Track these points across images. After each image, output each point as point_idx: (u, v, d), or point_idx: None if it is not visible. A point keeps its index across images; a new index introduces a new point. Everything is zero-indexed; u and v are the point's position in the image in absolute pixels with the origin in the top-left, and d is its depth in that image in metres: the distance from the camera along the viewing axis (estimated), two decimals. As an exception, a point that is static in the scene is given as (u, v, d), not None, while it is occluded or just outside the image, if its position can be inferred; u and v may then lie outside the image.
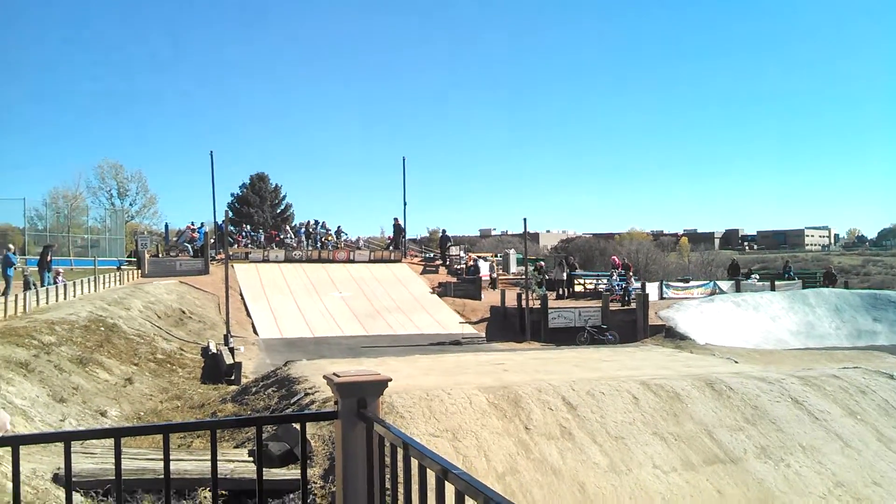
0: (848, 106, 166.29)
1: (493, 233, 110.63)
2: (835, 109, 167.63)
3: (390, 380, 3.83)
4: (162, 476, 3.53)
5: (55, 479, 7.63)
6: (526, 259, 32.52)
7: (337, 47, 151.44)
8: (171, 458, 7.07)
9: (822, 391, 11.65)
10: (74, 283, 23.65)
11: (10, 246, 25.80)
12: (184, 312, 25.04)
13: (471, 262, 35.99)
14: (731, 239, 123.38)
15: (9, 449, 3.11)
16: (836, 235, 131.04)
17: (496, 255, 42.14)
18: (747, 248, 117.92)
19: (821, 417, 10.78)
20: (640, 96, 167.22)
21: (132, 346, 18.79)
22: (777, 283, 34.98)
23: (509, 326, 28.01)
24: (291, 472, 8.42)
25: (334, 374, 3.85)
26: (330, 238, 40.11)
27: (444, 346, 23.67)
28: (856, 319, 30.23)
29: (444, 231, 43.12)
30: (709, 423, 10.26)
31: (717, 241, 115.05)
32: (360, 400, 3.73)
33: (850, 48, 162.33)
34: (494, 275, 35.42)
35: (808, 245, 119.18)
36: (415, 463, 3.11)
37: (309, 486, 7.98)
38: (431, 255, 41.90)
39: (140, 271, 31.51)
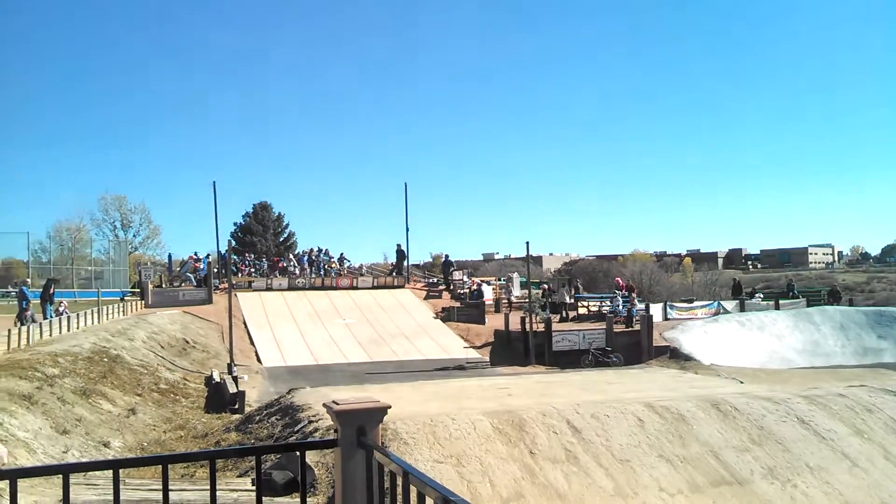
0: (851, 124, 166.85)
1: (497, 257, 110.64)
2: (838, 127, 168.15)
3: (389, 407, 3.82)
4: (162, 507, 3.52)
5: (57, 511, 7.60)
6: (529, 282, 32.51)
7: (336, 74, 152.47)
8: (174, 488, 7.01)
9: (828, 410, 11.58)
10: (78, 314, 23.66)
11: (28, 280, 25.98)
12: (187, 342, 25.02)
13: (474, 287, 35.96)
14: (735, 258, 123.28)
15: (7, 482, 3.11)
16: (840, 253, 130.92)
17: (499, 279, 42.09)
18: (751, 267, 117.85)
19: (827, 437, 10.71)
20: (642, 117, 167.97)
21: (135, 376, 18.76)
22: (781, 301, 34.86)
23: (513, 350, 27.92)
24: (295, 501, 8.37)
25: (333, 402, 3.85)
26: (333, 265, 40.15)
27: (449, 372, 23.60)
28: (861, 337, 30.09)
29: (446, 256, 43.16)
30: (715, 444, 10.19)
31: (720, 261, 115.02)
32: (359, 428, 3.72)
33: (854, 68, 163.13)
34: (498, 298, 35.41)
35: (811, 263, 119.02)
36: (415, 490, 3.09)
37: (313, 515, 7.93)
38: (434, 280, 41.89)
39: (143, 302, 31.54)
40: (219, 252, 35.47)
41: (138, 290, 33.89)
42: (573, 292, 35.74)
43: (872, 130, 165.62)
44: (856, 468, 10.04)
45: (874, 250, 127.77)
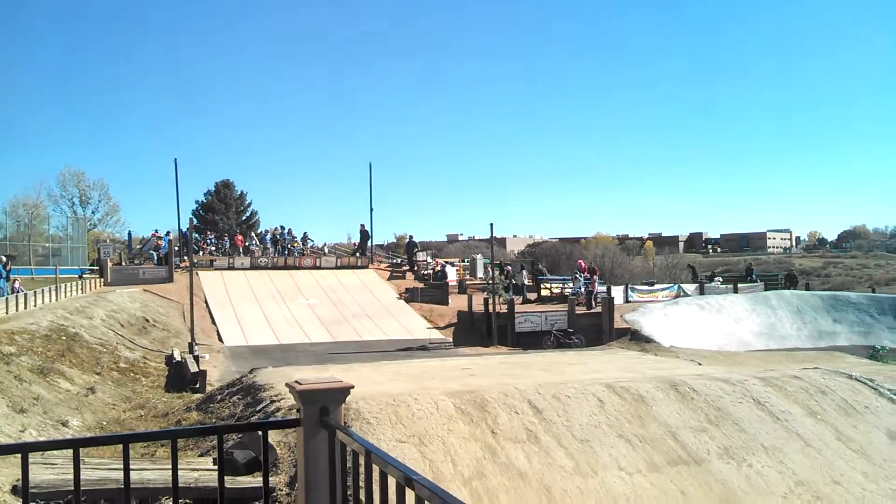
0: (808, 111, 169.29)
1: (461, 238, 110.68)
2: (795, 114, 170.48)
3: (352, 387, 3.83)
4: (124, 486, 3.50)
5: (14, 490, 7.52)
6: (493, 264, 32.64)
7: (302, 52, 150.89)
8: (134, 467, 6.99)
9: (783, 392, 11.82)
10: (35, 292, 23.26)
11: (3, 258, 25.49)
12: (147, 321, 24.75)
13: (438, 268, 36.02)
14: (696, 242, 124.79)
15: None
16: (798, 238, 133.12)
17: (463, 261, 42.20)
18: (711, 251, 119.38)
19: (782, 418, 10.94)
20: (605, 101, 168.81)
21: (94, 355, 18.53)
22: (740, 285, 35.45)
23: (476, 331, 28.08)
24: (257, 480, 8.35)
25: (296, 381, 3.85)
26: (296, 245, 39.89)
27: (412, 352, 23.65)
28: (816, 321, 30.77)
29: (410, 237, 43.04)
30: (673, 424, 10.36)
31: (681, 245, 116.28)
32: (322, 408, 3.73)
33: (811, 54, 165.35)
34: (462, 279, 35.53)
35: (770, 248, 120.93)
36: (377, 470, 3.11)
37: (274, 494, 7.93)
38: (398, 260, 41.86)
39: (103, 280, 31.07)
40: (180, 230, 35.06)
41: (97, 267, 33.38)
42: (533, 275, 36.01)
43: (832, 117, 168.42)
44: (809, 448, 10.28)
45: (831, 236, 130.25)
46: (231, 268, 34.87)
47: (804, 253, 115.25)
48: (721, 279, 38.89)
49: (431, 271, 36.06)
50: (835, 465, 9.96)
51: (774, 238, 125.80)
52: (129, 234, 44.07)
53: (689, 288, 34.03)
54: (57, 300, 24.18)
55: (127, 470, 3.44)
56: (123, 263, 34.62)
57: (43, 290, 23.87)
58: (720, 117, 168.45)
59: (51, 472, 7.75)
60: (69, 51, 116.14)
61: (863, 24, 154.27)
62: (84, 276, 31.43)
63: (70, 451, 3.33)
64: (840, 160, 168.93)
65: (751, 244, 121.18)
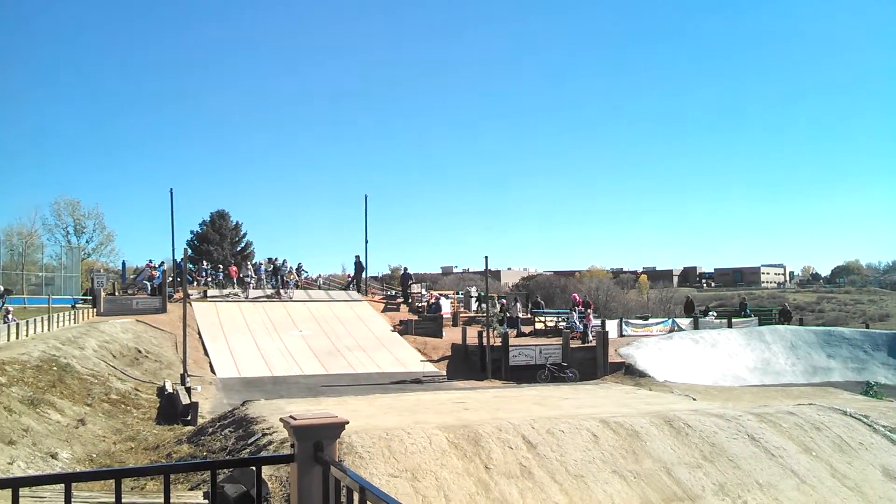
0: (803, 147, 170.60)
1: (455, 270, 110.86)
2: (790, 150, 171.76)
3: (347, 422, 3.82)
4: (113, 522, 3.47)
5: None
6: (487, 296, 32.61)
7: (297, 85, 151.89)
8: (125, 501, 6.91)
9: (777, 428, 11.79)
10: (27, 322, 23.14)
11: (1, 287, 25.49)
12: (140, 352, 24.62)
13: (433, 300, 35.98)
14: (690, 276, 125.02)
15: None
16: (791, 273, 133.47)
17: (457, 293, 42.18)
18: (705, 285, 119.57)
19: (777, 454, 10.89)
20: (597, 133, 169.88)
21: (86, 386, 18.40)
22: (734, 320, 35.47)
23: (470, 364, 27.98)
24: (248, 516, 8.27)
25: (291, 416, 3.83)
26: (292, 276, 39.85)
27: (405, 385, 23.55)
28: (811, 356, 30.76)
29: (405, 269, 43.10)
30: (668, 460, 10.31)
31: (675, 279, 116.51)
32: (316, 443, 3.71)
33: (808, 90, 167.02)
34: (456, 312, 35.49)
35: (763, 282, 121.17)
36: (371, 506, 3.09)
37: (266, 530, 7.84)
38: (393, 292, 41.82)
39: (96, 310, 30.97)
40: (174, 260, 35.01)
41: (90, 297, 33.27)
42: (528, 307, 35.99)
43: (827, 153, 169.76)
44: (804, 485, 10.23)
45: (825, 271, 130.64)
46: (224, 299, 34.76)
47: (798, 288, 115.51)
48: (715, 314, 38.90)
49: (426, 304, 36.01)
50: (829, 502, 9.91)
51: (768, 273, 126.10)
52: (123, 263, 43.97)
53: (684, 322, 34.02)
54: (49, 330, 24.05)
55: (118, 505, 3.40)
56: (117, 293, 34.54)
57: (35, 320, 23.76)
58: (715, 152, 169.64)
59: (40, 505, 7.67)
60: (64, 79, 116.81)
61: (859, 59, 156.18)
62: (77, 305, 31.30)
63: (60, 486, 3.30)
64: (834, 196, 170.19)
65: (744, 279, 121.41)
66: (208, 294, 35.03)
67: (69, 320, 27.01)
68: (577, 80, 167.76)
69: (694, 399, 17.35)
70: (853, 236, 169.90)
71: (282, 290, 36.90)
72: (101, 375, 20.05)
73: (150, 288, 34.10)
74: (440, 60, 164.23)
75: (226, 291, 36.09)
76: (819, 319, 71.04)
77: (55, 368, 18.51)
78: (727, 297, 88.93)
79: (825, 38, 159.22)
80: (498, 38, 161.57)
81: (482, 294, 36.39)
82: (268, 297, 35.96)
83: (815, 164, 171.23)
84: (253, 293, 35.99)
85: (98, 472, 4.20)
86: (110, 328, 26.00)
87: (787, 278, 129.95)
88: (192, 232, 58.79)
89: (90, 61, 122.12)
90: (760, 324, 35.50)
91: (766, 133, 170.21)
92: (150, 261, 36.37)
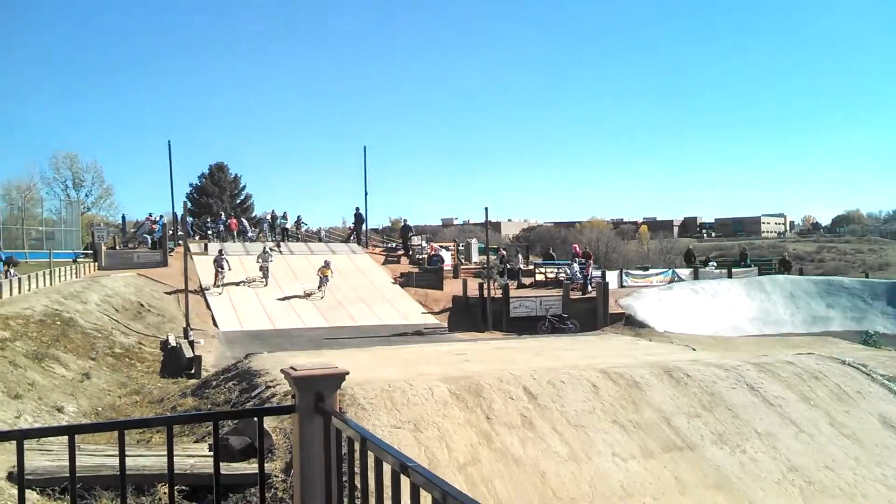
0: (804, 96, 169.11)
1: (455, 222, 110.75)
2: (791, 100, 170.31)
3: (347, 373, 3.82)
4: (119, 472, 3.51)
5: (10, 477, 7.52)
6: (487, 248, 32.62)
7: (296, 36, 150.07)
8: (130, 454, 6.98)
9: (776, 377, 11.87)
10: (29, 276, 23.20)
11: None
12: (142, 306, 24.73)
13: (433, 252, 35.99)
14: (690, 227, 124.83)
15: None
16: (792, 223, 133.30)
17: (458, 245, 42.22)
18: (705, 235, 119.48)
19: (775, 403, 10.99)
20: (599, 85, 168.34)
21: (89, 340, 18.52)
22: (734, 270, 35.53)
23: (471, 316, 28.10)
24: (252, 466, 8.37)
25: (291, 367, 3.84)
26: (295, 231, 39.90)
27: (407, 337, 23.70)
28: (810, 306, 30.87)
29: (405, 221, 43.02)
30: (667, 410, 10.40)
31: (675, 229, 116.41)
32: (317, 394, 3.72)
33: (810, 40, 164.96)
34: (457, 264, 35.55)
35: (764, 232, 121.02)
36: (372, 456, 3.11)
37: (270, 480, 7.95)
38: (393, 245, 41.83)
39: (97, 264, 31.02)
40: (174, 214, 34.97)
41: (91, 251, 33.30)
42: (528, 259, 36.03)
43: (828, 103, 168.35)
44: (802, 434, 10.34)
45: (825, 221, 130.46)
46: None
47: (798, 238, 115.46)
48: (715, 264, 38.95)
49: (426, 256, 36.03)
50: (827, 451, 10.02)
51: (769, 223, 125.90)
52: (123, 217, 43.93)
53: (684, 273, 34.07)
54: (51, 285, 24.13)
55: (122, 457, 3.43)
56: (117, 247, 34.54)
57: (37, 275, 23.81)
58: (715, 102, 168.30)
59: (46, 458, 7.76)
60: (63, 33, 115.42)
61: (862, 12, 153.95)
62: (78, 260, 31.34)
63: (66, 438, 3.33)
64: (835, 145, 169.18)
65: (745, 229, 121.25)
66: (209, 248, 35.00)
67: (71, 275, 27.08)
68: (577, 33, 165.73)
69: (693, 349, 17.46)
70: (854, 186, 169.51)
71: (281, 243, 36.93)
72: (105, 329, 20.17)
73: (150, 242, 34.10)
74: (437, 11, 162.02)
75: (227, 245, 36.08)
76: (819, 269, 71.19)
77: (58, 323, 18.61)
78: (728, 247, 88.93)
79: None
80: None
81: (483, 246, 36.39)
82: (269, 250, 35.94)
83: (817, 113, 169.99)
84: (253, 247, 35.99)
85: (101, 424, 4.25)
86: (112, 282, 26.07)
87: (788, 228, 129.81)
88: (191, 185, 58.69)
89: (88, 12, 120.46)
90: (760, 274, 35.57)
91: (766, 81, 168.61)
92: (150, 214, 36.37)
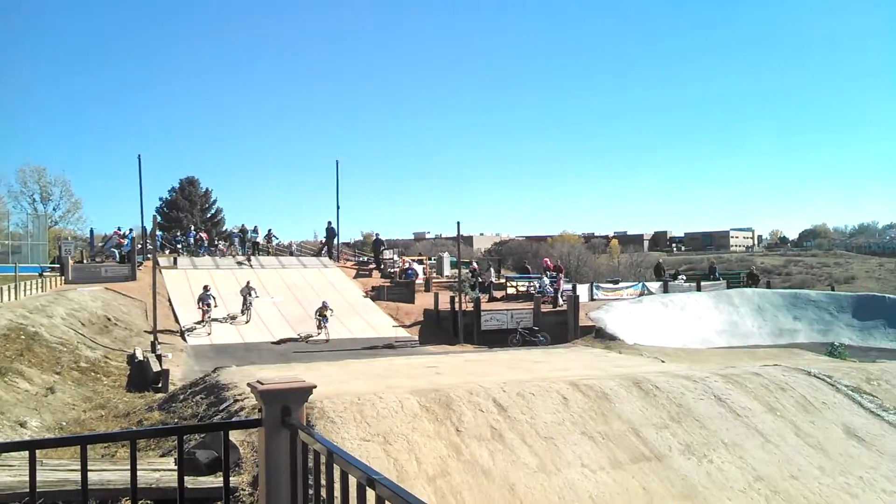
0: (770, 112, 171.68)
1: (427, 236, 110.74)
2: (759, 116, 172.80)
3: (314, 387, 3.81)
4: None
5: (-30, 494, 7.38)
6: (459, 262, 32.69)
7: (267, 49, 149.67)
8: (93, 468, 6.88)
9: (743, 388, 12.00)
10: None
11: None
12: (109, 319, 24.42)
13: (406, 266, 35.96)
14: (660, 241, 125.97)
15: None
16: (760, 237, 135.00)
17: (430, 259, 42.20)
18: (675, 249, 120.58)
19: (742, 414, 11.10)
20: (569, 100, 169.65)
21: (54, 354, 18.25)
22: (703, 283, 35.87)
23: (442, 329, 28.11)
24: (219, 480, 8.29)
25: (258, 381, 3.82)
26: (265, 244, 39.66)
27: (377, 350, 23.63)
28: (777, 318, 31.25)
29: (377, 235, 43.06)
30: (636, 421, 10.46)
31: (646, 243, 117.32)
32: (284, 407, 3.71)
33: (780, 53, 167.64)
34: (429, 278, 35.54)
35: (732, 246, 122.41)
36: (339, 470, 3.10)
37: (237, 494, 7.88)
38: (365, 258, 41.74)
39: (64, 278, 30.59)
40: (143, 228, 34.64)
41: (58, 265, 32.84)
42: (500, 273, 36.13)
43: (795, 119, 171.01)
44: (768, 444, 10.45)
45: (792, 235, 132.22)
46: (195, 267, 34.48)
47: (766, 251, 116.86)
48: (685, 277, 39.31)
49: (398, 269, 35.99)
50: (793, 461, 10.14)
51: (737, 237, 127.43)
52: (91, 231, 43.36)
53: (654, 286, 34.35)
54: (16, 299, 23.76)
55: (84, 471, 3.39)
56: (85, 261, 34.10)
57: (1, 289, 23.44)
58: (686, 119, 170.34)
59: (6, 473, 7.62)
60: (28, 43, 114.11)
61: (818, 28, 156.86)
62: (44, 273, 30.90)
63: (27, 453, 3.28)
64: (802, 162, 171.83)
65: (714, 242, 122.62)
66: (178, 262, 34.67)
67: (36, 289, 26.68)
68: (550, 44, 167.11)
69: (662, 361, 17.58)
70: (820, 201, 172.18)
71: (252, 257, 36.70)
72: (70, 343, 19.88)
73: (118, 255, 33.71)
74: (410, 24, 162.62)
75: (196, 259, 35.78)
76: (786, 282, 72.05)
77: (23, 337, 18.32)
78: (697, 260, 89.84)
79: None
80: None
81: (454, 259, 36.43)
82: (238, 264, 35.70)
83: (785, 130, 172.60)
84: (223, 261, 35.73)
85: (63, 438, 4.17)
86: (79, 296, 25.73)
87: (756, 242, 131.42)
88: (161, 199, 58.26)
89: (54, 21, 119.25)
90: (729, 287, 35.95)
91: (734, 97, 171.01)
92: (119, 228, 35.97)
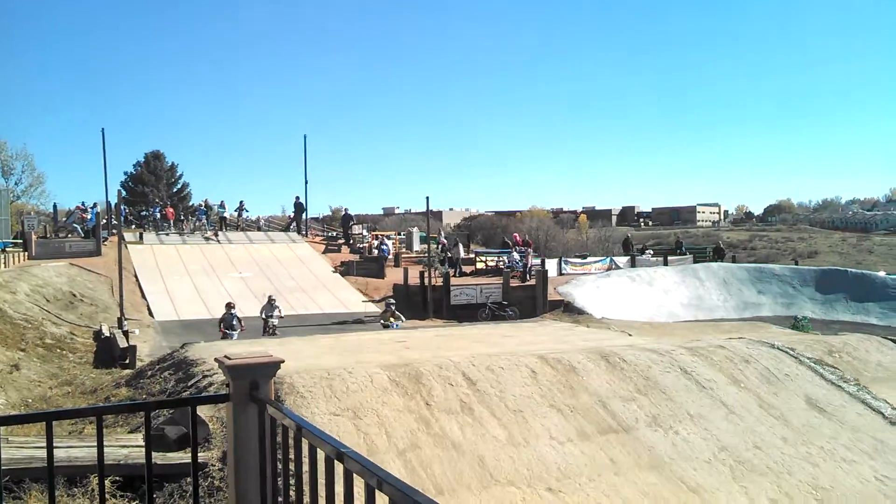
0: (737, 88, 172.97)
1: (397, 211, 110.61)
2: (725, 91, 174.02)
3: (282, 361, 3.81)
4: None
5: (-66, 472, 7.28)
6: (429, 237, 32.68)
7: (237, 22, 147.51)
8: (60, 445, 6.85)
9: (709, 361, 12.17)
10: (-46, 266, 22.44)
11: None
12: (74, 296, 24.11)
13: (374, 241, 35.90)
14: (628, 216, 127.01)
15: None
16: (726, 212, 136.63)
17: (399, 234, 42.14)
18: (643, 224, 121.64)
19: (707, 386, 11.27)
20: (539, 77, 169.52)
21: (18, 331, 18.00)
22: (670, 258, 36.25)
23: (412, 304, 28.11)
24: (188, 456, 8.27)
25: (226, 356, 3.81)
26: (232, 219, 39.30)
27: (347, 326, 23.61)
28: (742, 292, 31.71)
29: (346, 210, 42.83)
30: (603, 394, 10.58)
31: (614, 219, 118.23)
32: (252, 382, 3.70)
33: (749, 26, 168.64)
34: (398, 253, 35.53)
35: (699, 221, 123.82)
36: (307, 444, 3.11)
37: (207, 469, 7.87)
38: (334, 234, 41.58)
39: (27, 253, 30.12)
40: (108, 202, 34.15)
41: (21, 241, 32.32)
42: (469, 247, 36.23)
43: (762, 94, 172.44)
44: (732, 415, 10.63)
45: (758, 210, 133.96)
46: (161, 242, 34.15)
47: (732, 226, 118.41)
48: (652, 252, 39.67)
49: (367, 245, 35.90)
50: (756, 431, 10.32)
51: (704, 212, 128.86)
52: (55, 206, 42.73)
53: (621, 261, 34.65)
54: (-22, 275, 23.36)
55: (51, 448, 3.37)
56: (49, 236, 33.60)
57: (-38, 265, 23.05)
58: (655, 97, 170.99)
59: (-28, 451, 7.54)
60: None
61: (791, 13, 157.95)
62: (7, 249, 30.39)
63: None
64: (768, 139, 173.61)
65: (681, 217, 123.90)
66: (144, 237, 34.30)
67: (-1, 264, 26.27)
68: (520, 19, 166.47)
69: (630, 335, 17.75)
70: (785, 176, 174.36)
71: (219, 232, 36.39)
72: (35, 320, 19.63)
73: (81, 231, 33.24)
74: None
75: (162, 234, 35.41)
76: (751, 257, 73.09)
77: (-15, 314, 18.04)
78: (664, 235, 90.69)
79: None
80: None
81: (424, 235, 36.43)
82: (206, 239, 35.39)
83: (751, 105, 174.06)
84: (191, 237, 35.40)
85: (28, 415, 4.14)
86: (43, 272, 25.36)
87: (722, 217, 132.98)
88: (125, 173, 57.45)
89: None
90: (695, 261, 36.37)
91: (701, 72, 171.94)
92: (82, 203, 35.44)
